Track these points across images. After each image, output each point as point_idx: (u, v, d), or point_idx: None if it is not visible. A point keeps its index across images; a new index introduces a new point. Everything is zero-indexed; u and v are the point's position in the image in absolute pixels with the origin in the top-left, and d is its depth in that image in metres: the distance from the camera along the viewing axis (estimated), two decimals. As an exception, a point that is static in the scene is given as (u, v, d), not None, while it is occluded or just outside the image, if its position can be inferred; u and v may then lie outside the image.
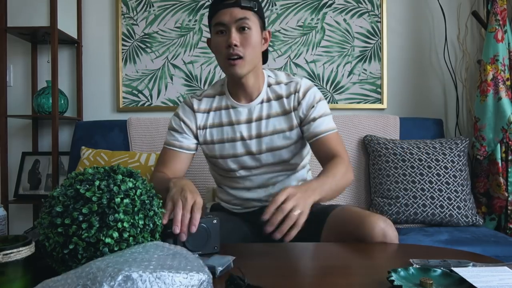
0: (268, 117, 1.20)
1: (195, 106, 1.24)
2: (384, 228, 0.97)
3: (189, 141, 1.23)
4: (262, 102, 1.21)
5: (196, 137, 1.24)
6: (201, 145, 1.26)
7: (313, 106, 1.18)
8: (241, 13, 1.10)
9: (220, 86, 1.26)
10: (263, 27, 1.18)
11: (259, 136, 1.20)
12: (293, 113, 1.20)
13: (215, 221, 0.89)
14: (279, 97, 1.21)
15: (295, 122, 1.20)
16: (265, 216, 0.84)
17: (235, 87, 1.20)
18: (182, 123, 1.23)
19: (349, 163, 1.15)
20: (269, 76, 1.24)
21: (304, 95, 1.19)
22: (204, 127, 1.23)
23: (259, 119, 1.20)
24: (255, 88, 1.20)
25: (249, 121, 1.21)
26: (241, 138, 1.20)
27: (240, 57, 1.11)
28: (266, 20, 2.24)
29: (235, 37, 1.10)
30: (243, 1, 1.10)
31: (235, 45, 1.09)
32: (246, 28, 1.11)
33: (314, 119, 1.17)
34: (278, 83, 1.23)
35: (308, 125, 1.18)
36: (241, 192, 1.27)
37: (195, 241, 0.86)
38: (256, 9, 1.13)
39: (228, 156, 1.22)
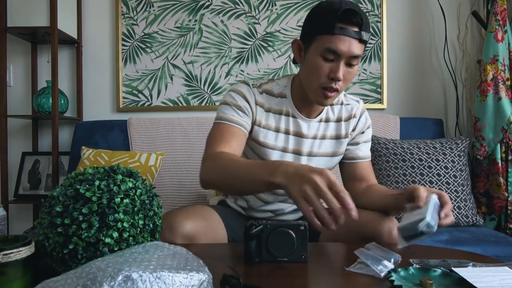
0: (323, 137, 1.17)
1: (258, 99, 1.12)
2: (391, 226, 1.00)
3: (249, 124, 1.11)
4: (320, 121, 1.16)
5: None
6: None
7: (363, 132, 1.20)
8: (357, 48, 0.98)
9: (283, 88, 1.15)
10: None
11: (310, 154, 1.16)
12: (345, 139, 1.18)
13: (302, 228, 0.81)
14: (338, 120, 1.18)
15: (343, 149, 1.19)
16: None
17: (302, 99, 1.12)
18: (247, 104, 1.10)
19: None
20: None
21: (358, 120, 1.19)
22: (259, 124, 1.12)
23: (314, 137, 1.16)
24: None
25: (306, 137, 1.15)
26: (293, 151, 1.15)
27: (337, 90, 1.03)
28: (266, 20, 2.26)
29: (342, 72, 1.00)
30: (365, 35, 0.98)
31: (339, 80, 1.01)
32: (354, 65, 1.01)
33: (358, 143, 1.19)
34: (338, 103, 1.19)
35: (351, 146, 1.19)
36: (257, 202, 1.21)
37: (280, 247, 0.80)
38: (367, 41, 1.02)
39: None
